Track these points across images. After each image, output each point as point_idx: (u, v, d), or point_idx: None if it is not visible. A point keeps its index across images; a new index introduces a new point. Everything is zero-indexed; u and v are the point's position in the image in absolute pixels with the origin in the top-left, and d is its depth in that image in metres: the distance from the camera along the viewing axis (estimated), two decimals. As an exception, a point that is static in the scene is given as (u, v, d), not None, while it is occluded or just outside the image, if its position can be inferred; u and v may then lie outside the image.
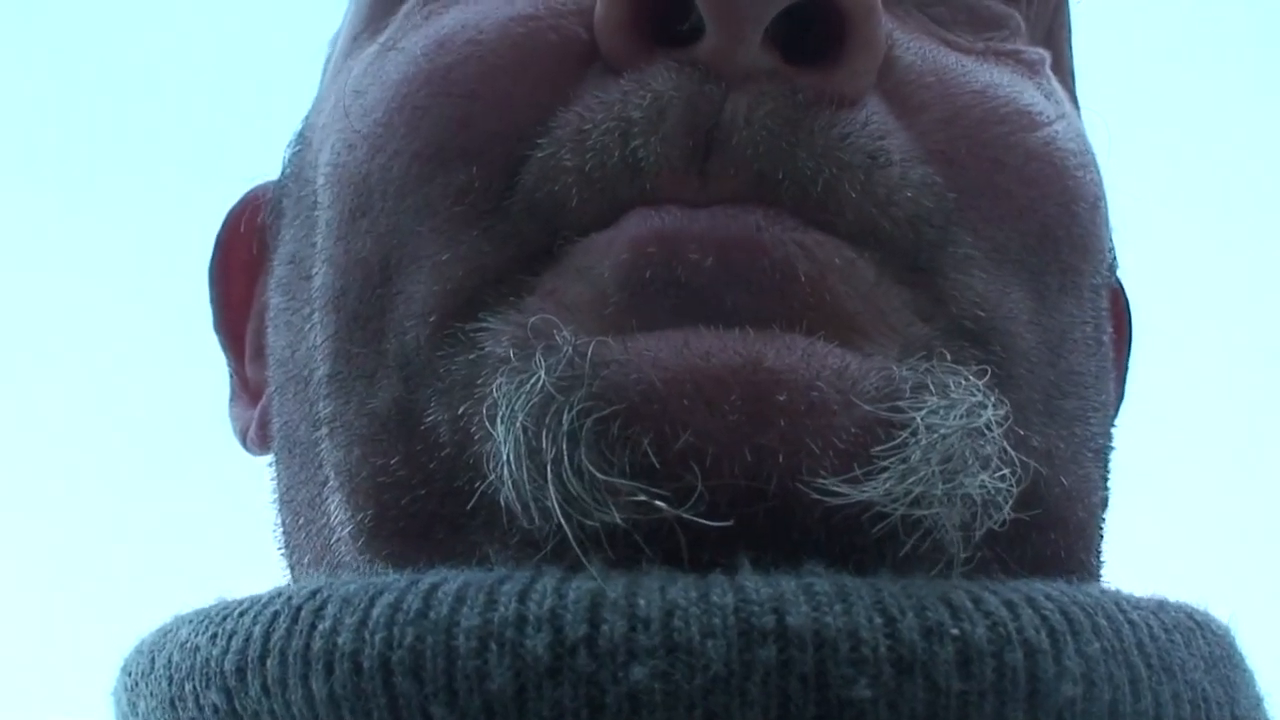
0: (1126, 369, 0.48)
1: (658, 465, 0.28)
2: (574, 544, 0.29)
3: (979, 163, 0.34)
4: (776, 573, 0.28)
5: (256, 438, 0.44)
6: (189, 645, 0.31)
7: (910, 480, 0.29)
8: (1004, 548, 0.32)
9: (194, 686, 0.31)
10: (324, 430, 0.35)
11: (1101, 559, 0.38)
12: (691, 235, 0.30)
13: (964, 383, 0.30)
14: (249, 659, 0.30)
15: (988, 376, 0.31)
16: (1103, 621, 0.30)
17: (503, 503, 0.30)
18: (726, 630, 0.27)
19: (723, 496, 0.28)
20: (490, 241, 0.32)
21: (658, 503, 0.28)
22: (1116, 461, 0.42)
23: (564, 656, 0.27)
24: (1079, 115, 0.41)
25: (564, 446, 0.29)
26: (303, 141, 0.42)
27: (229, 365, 0.48)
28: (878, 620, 0.28)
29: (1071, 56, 0.42)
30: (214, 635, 0.31)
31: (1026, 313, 0.34)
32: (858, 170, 0.32)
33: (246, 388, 0.46)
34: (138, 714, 0.33)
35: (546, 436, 0.29)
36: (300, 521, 0.38)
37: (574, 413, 0.29)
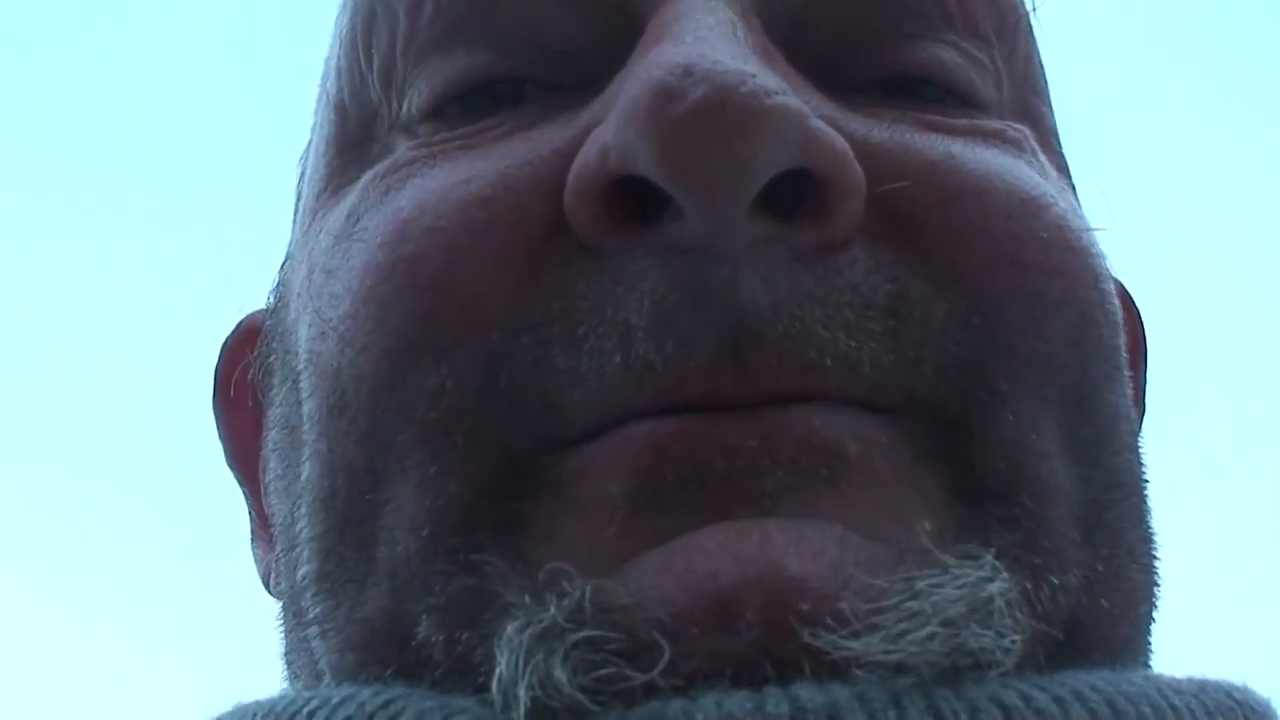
0: (1144, 379, 0.47)
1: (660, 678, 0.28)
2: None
3: (996, 273, 0.33)
4: (830, 682, 0.28)
5: (276, 589, 0.44)
6: None
7: (908, 634, 0.28)
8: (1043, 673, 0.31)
9: None
10: (314, 630, 0.35)
11: (1150, 653, 0.37)
12: (726, 426, 0.30)
13: (970, 565, 0.30)
14: None
15: (1003, 543, 0.31)
16: (1147, 710, 0.30)
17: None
18: None
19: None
20: (475, 448, 0.31)
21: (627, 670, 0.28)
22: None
23: None
24: (1067, 181, 0.40)
25: (556, 659, 0.28)
26: (281, 293, 0.42)
27: (246, 501, 0.48)
28: None
29: (1053, 115, 0.40)
30: None
31: (1060, 437, 0.33)
32: (887, 337, 0.31)
33: (265, 525, 0.46)
34: None
35: (543, 647, 0.29)
36: None
37: (578, 636, 0.28)
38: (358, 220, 0.36)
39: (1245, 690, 0.33)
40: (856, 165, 0.31)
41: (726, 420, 0.30)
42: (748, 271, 0.30)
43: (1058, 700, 0.29)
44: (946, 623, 0.28)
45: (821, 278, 0.31)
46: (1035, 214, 0.34)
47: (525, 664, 0.28)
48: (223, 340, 0.49)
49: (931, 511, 0.31)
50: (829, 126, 0.31)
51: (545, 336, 0.31)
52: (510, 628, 0.29)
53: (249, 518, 0.48)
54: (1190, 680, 0.32)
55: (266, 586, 0.46)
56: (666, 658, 0.28)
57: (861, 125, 0.33)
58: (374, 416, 0.33)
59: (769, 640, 0.28)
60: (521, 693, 0.28)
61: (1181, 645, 0.39)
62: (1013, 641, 0.29)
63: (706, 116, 0.29)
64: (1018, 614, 0.30)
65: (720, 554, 0.29)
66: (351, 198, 0.37)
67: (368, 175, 0.37)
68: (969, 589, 0.29)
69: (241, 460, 0.48)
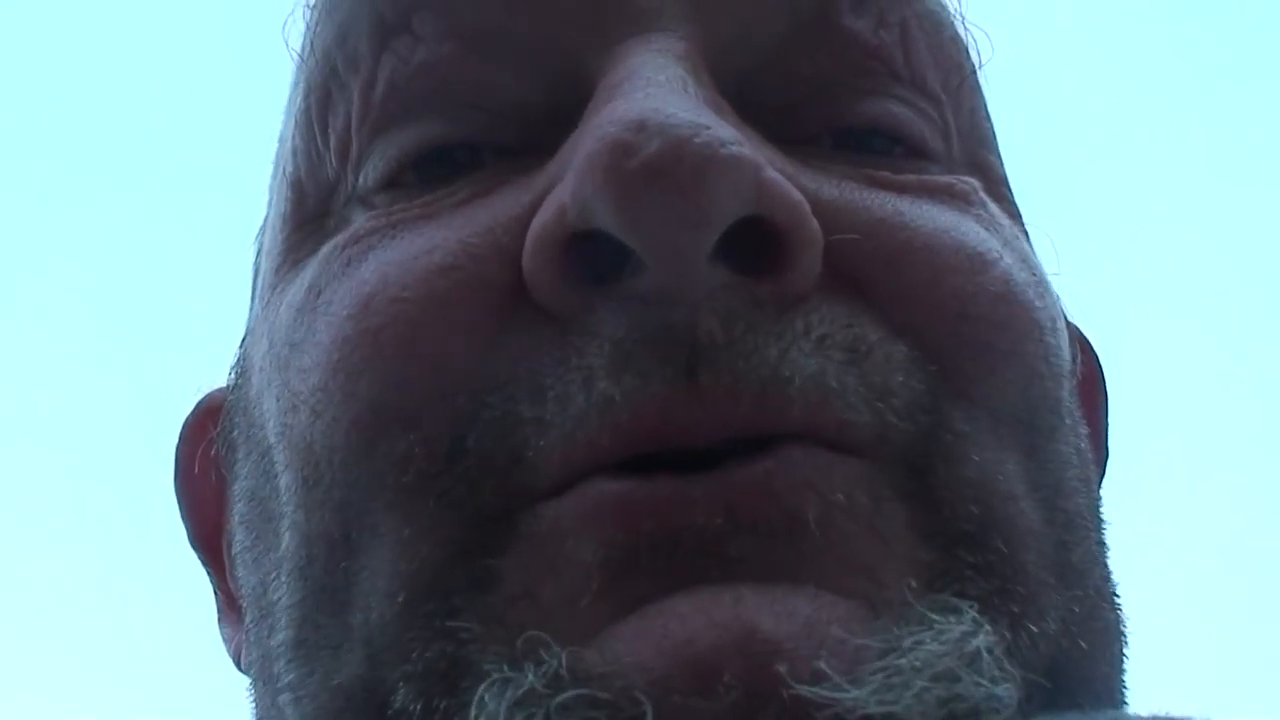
0: (1106, 425, 0.48)
1: None
2: None
3: (947, 327, 0.33)
4: None
5: (247, 663, 0.44)
6: None
7: (899, 687, 0.28)
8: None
9: None
10: (287, 696, 0.35)
11: (1125, 693, 0.38)
12: (693, 498, 0.30)
13: (952, 619, 0.30)
14: None
15: (979, 592, 0.31)
16: None
17: None
18: None
19: None
20: (446, 508, 0.32)
21: None
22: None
23: None
24: (1020, 227, 0.40)
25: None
26: (242, 368, 0.42)
27: (211, 580, 0.48)
28: None
29: (1002, 164, 0.41)
30: None
31: (1023, 480, 0.33)
32: (850, 366, 0.31)
33: (232, 604, 0.46)
34: None
35: (522, 711, 0.28)
36: None
37: (557, 701, 0.28)
38: (319, 293, 0.36)
39: None
40: (813, 218, 0.31)
41: (693, 484, 0.30)
42: (706, 314, 0.31)
43: None
44: (937, 677, 0.28)
45: (777, 318, 0.31)
46: (982, 269, 0.34)
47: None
48: (182, 421, 0.49)
49: (900, 560, 0.31)
50: (784, 178, 0.31)
51: (511, 394, 0.31)
52: (487, 695, 0.29)
53: (214, 598, 0.48)
54: (1155, 718, 0.32)
55: (238, 665, 0.45)
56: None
57: (812, 181, 0.34)
58: (347, 486, 0.33)
59: (750, 702, 0.28)
60: None
61: (1147, 680, 0.39)
62: (1006, 688, 0.29)
63: (663, 170, 0.30)
64: (1005, 664, 0.29)
65: (695, 618, 0.29)
66: (311, 269, 0.37)
67: (327, 247, 0.37)
68: (954, 644, 0.29)
69: (205, 539, 0.48)
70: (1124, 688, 0.37)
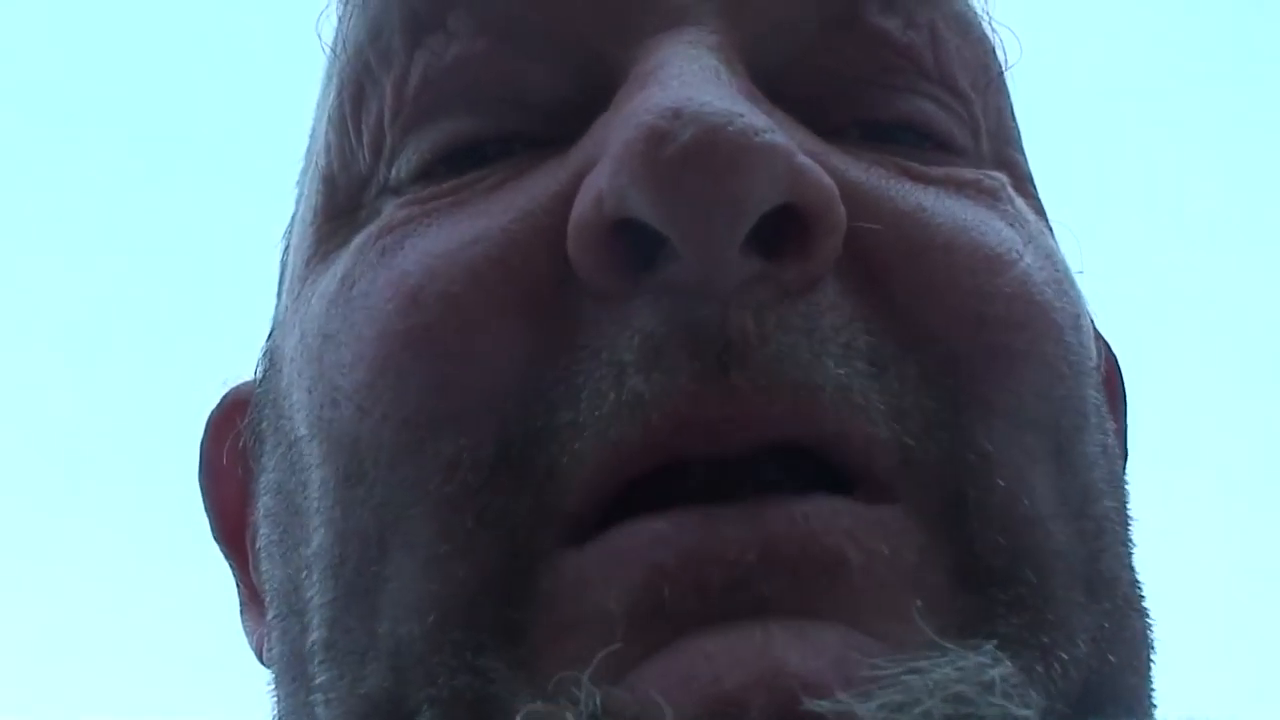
0: (1125, 426, 0.48)
1: None
2: None
3: (963, 330, 0.33)
4: None
5: (269, 658, 0.44)
6: None
7: (908, 704, 0.28)
8: None
9: None
10: (319, 696, 0.35)
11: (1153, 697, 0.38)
12: (725, 538, 0.29)
13: (971, 654, 0.30)
14: None
15: (1008, 628, 0.31)
16: None
17: None
18: None
19: None
20: (484, 531, 0.31)
21: None
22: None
23: None
24: (1045, 223, 0.41)
25: None
26: (271, 360, 0.42)
27: (234, 574, 0.48)
28: None
29: (1027, 162, 0.41)
30: None
31: (1051, 493, 0.33)
32: (873, 380, 0.31)
33: (255, 598, 0.46)
34: None
35: None
36: None
37: None
38: (354, 283, 0.36)
39: None
40: (840, 204, 0.32)
41: (724, 523, 0.30)
42: (737, 308, 0.31)
43: None
44: (948, 699, 0.28)
45: (805, 314, 0.31)
46: (1000, 270, 0.34)
47: None
48: (207, 416, 0.49)
49: (934, 608, 0.30)
50: (816, 164, 0.32)
51: (553, 399, 0.32)
52: None
53: (237, 591, 0.48)
54: None
55: (259, 658, 0.46)
56: None
57: (841, 162, 0.34)
58: (389, 486, 0.33)
59: None
60: None
61: (1171, 682, 0.39)
62: (1027, 713, 0.29)
63: (698, 157, 0.30)
64: (1027, 692, 0.29)
65: (723, 657, 0.29)
66: (344, 260, 0.37)
67: (359, 238, 0.37)
68: (969, 672, 0.29)
69: (228, 533, 0.48)
70: (1151, 693, 0.37)
